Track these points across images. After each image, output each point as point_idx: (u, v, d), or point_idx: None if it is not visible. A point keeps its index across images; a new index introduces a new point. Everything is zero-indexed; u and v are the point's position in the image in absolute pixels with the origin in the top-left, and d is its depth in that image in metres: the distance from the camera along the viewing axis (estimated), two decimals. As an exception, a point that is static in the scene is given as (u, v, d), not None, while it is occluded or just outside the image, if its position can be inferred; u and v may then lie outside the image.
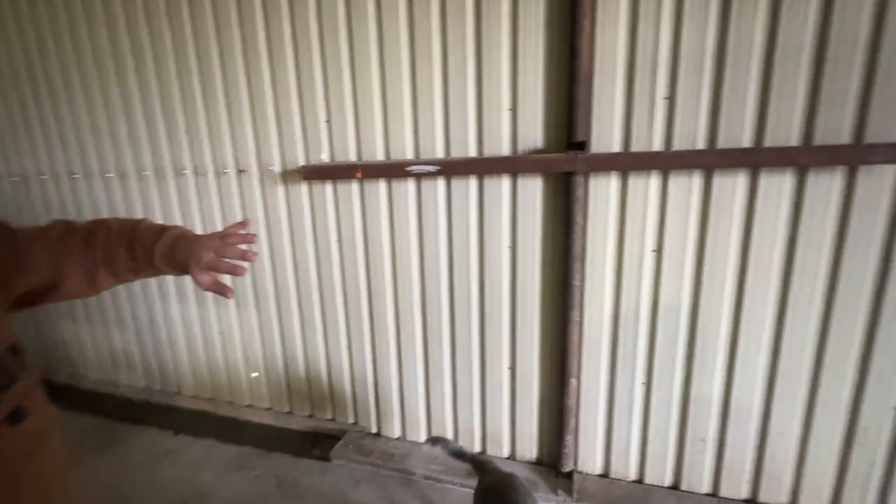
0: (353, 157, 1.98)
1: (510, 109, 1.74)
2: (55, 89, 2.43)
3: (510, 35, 1.68)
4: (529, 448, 2.03)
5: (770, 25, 1.44)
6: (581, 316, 1.80)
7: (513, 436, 2.05)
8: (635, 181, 1.65)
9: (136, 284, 2.59)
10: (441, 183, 1.88)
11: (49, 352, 3.03)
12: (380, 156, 1.94)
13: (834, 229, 1.50)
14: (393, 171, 1.85)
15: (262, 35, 1.98)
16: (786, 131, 1.47)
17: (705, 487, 1.82)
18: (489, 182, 1.81)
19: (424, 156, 1.87)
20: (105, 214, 2.52)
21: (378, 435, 2.29)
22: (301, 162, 2.05)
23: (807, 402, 1.64)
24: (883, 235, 1.46)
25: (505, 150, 1.77)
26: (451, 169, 1.77)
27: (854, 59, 1.38)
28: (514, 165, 1.70)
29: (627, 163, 1.60)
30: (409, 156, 1.90)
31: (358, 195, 2.01)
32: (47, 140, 2.54)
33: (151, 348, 2.69)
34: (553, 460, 1.99)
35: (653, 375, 1.79)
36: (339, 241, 2.09)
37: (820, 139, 1.44)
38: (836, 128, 1.43)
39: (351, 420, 2.34)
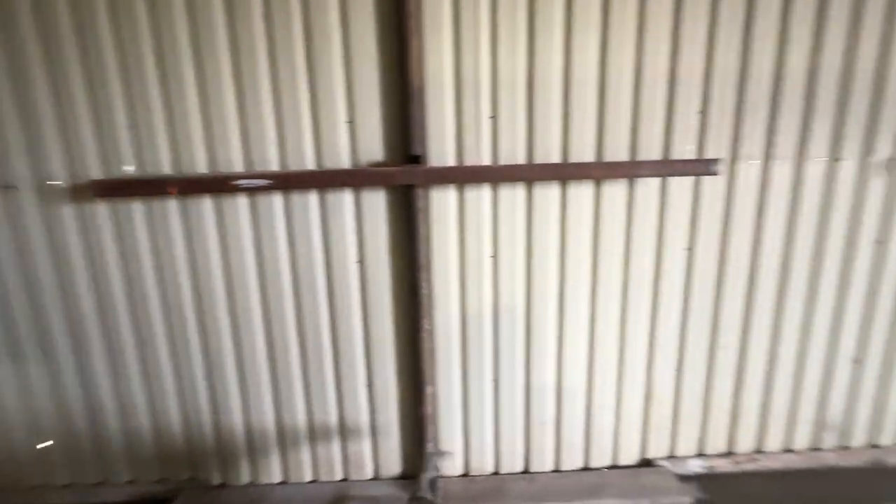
0: (167, 170, 1.70)
1: (348, 122, 1.71)
2: None
3: (342, 48, 1.65)
4: (393, 463, 2.00)
5: (565, 60, 1.69)
6: (431, 323, 1.85)
7: (375, 455, 2.00)
8: (470, 193, 1.77)
9: None
10: (278, 198, 1.74)
11: None
12: (201, 168, 1.71)
13: (624, 231, 1.83)
14: (218, 185, 1.64)
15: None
16: (581, 149, 1.74)
17: (549, 465, 2.03)
18: (331, 196, 1.75)
19: (257, 168, 1.71)
20: None
21: (223, 486, 2.00)
22: (95, 175, 1.69)
23: (617, 376, 1.96)
24: (655, 234, 1.83)
25: (345, 162, 1.73)
26: (287, 183, 1.65)
27: (623, 90, 1.71)
28: (353, 178, 1.67)
29: (462, 175, 1.71)
30: (239, 168, 1.71)
31: (178, 215, 1.74)
32: None
33: None
34: (417, 471, 1.99)
35: (500, 372, 1.93)
36: (158, 267, 1.78)
37: (608, 156, 1.75)
38: (616, 146, 1.75)
39: (187, 475, 2.00)
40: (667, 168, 1.73)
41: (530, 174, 1.73)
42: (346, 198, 1.75)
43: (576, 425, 2.00)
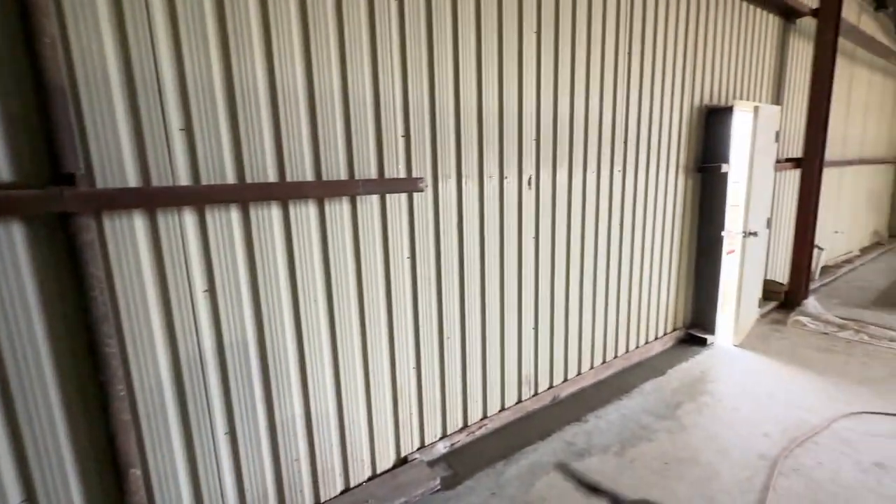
0: None
1: (-69, 123, 1.14)
2: None
3: None
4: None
5: (269, 74, 1.60)
6: (129, 385, 1.44)
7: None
8: (167, 218, 1.46)
9: None
10: None
11: None
12: None
13: (352, 246, 1.88)
14: None
15: None
16: (301, 167, 1.69)
17: (308, 500, 1.90)
18: None
19: None
20: None
21: None
22: None
23: (364, 387, 2.00)
24: (381, 247, 1.95)
25: (-67, 183, 1.15)
26: None
27: (336, 111, 1.75)
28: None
29: (150, 198, 1.39)
30: None
31: None
32: None
33: None
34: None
35: (236, 418, 1.67)
36: None
37: (326, 175, 1.76)
38: (335, 165, 1.78)
39: None
40: (382, 186, 1.86)
41: (243, 194, 1.56)
42: (-59, 236, 1.17)
43: (332, 450, 1.94)
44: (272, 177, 1.64)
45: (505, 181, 2.35)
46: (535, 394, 2.73)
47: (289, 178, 1.67)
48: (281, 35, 1.60)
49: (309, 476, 1.89)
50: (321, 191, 1.70)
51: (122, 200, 1.33)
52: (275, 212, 1.66)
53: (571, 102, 2.55)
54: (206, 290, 1.57)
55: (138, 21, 1.36)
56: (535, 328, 2.65)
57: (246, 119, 1.56)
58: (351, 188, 1.78)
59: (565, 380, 2.89)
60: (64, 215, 1.27)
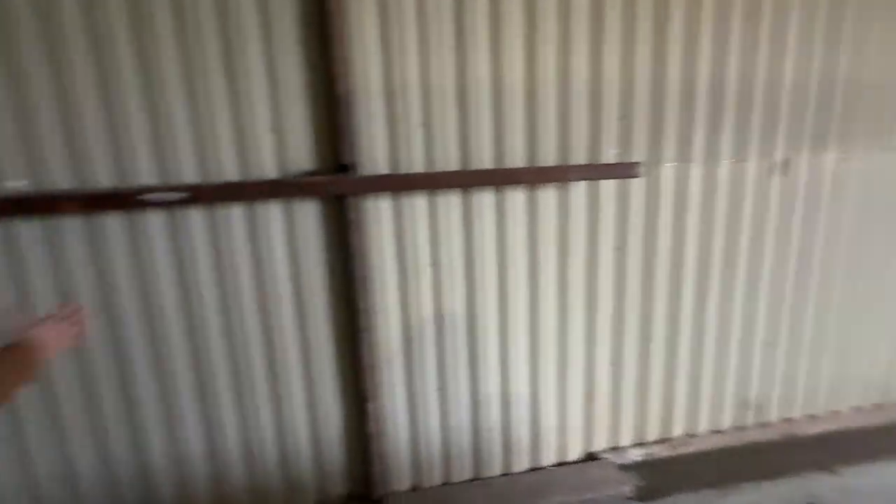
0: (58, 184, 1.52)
1: (273, 130, 1.61)
2: None
3: (263, 53, 1.56)
4: (338, 484, 1.91)
5: (494, 68, 1.71)
6: (372, 337, 1.79)
7: (319, 476, 1.90)
8: (405, 201, 1.73)
9: None
10: (197, 213, 1.61)
11: None
12: (104, 181, 1.54)
13: (557, 233, 1.88)
14: (121, 201, 1.48)
15: None
16: (513, 154, 1.77)
17: (498, 469, 2.03)
18: (259, 210, 1.64)
19: (170, 181, 1.57)
20: None
21: (147, 531, 1.81)
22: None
23: (558, 376, 2.00)
24: (586, 235, 1.90)
25: (271, 173, 1.63)
26: (205, 196, 1.53)
27: (549, 100, 1.76)
28: (281, 189, 1.58)
29: (395, 184, 1.67)
30: (147, 181, 1.56)
31: (80, 234, 1.55)
32: None
33: None
34: (364, 489, 1.92)
35: (445, 381, 1.90)
36: (62, 295, 1.58)
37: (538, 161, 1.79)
38: (547, 151, 1.79)
39: None
40: (594, 172, 1.79)
41: (464, 180, 1.73)
42: (275, 210, 1.65)
43: (522, 428, 2.02)
44: (488, 163, 1.77)
45: (745, 165, 1.97)
46: (763, 424, 2.26)
47: (503, 165, 1.77)
48: (505, 34, 1.68)
49: (500, 447, 2.01)
50: (532, 176, 1.75)
51: (378, 185, 1.64)
52: (487, 197, 1.79)
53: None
54: (431, 265, 1.81)
55: (395, 41, 1.62)
56: (772, 343, 2.18)
57: (471, 112, 1.72)
58: (562, 174, 1.77)
59: (810, 415, 2.30)
60: (340, 197, 1.65)
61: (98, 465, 1.70)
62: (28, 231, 1.51)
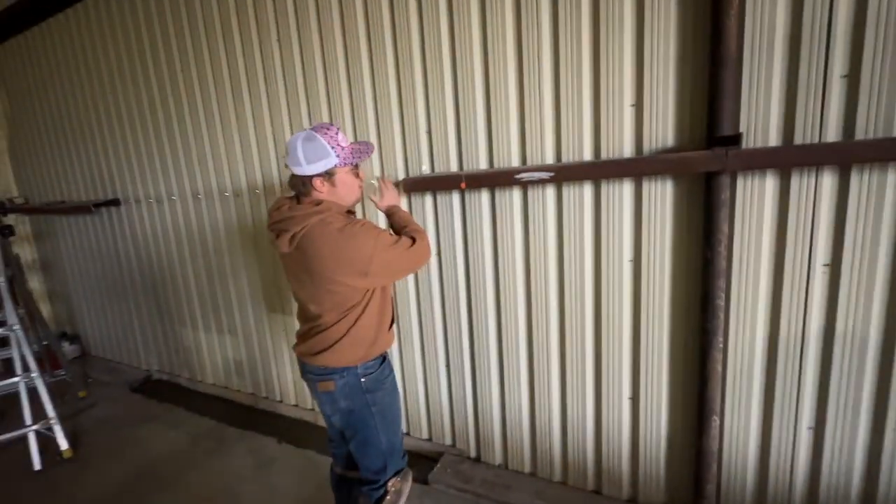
0: (454, 167, 1.90)
1: (633, 105, 1.54)
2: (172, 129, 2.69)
3: (635, 15, 1.48)
4: (655, 491, 1.76)
5: None
6: (726, 342, 1.52)
7: (634, 476, 1.80)
8: (800, 180, 1.35)
9: (248, 297, 2.75)
10: (551, 191, 1.72)
11: (173, 357, 3.34)
12: (483, 164, 1.83)
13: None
14: (499, 179, 1.73)
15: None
16: None
17: None
18: (607, 187, 1.62)
19: (532, 162, 1.73)
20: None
21: (478, 460, 2.15)
22: (402, 174, 2.03)
23: None
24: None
25: (627, 151, 1.57)
26: (565, 175, 1.60)
27: None
28: (643, 167, 1.48)
29: (791, 158, 1.32)
30: (516, 163, 1.77)
31: (459, 207, 1.92)
32: (169, 168, 2.82)
33: (259, 358, 2.84)
34: (686, 509, 1.70)
35: (826, 419, 1.44)
36: (439, 255, 2.02)
37: None
38: None
39: (448, 442, 2.24)
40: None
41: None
42: (625, 188, 1.59)
43: None
44: None
45: None
46: None
47: None
48: None
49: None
50: None
51: (768, 161, 1.33)
52: None
53: None
54: (827, 265, 1.37)
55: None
56: None
57: None
58: None
59: None
60: (708, 175, 1.43)
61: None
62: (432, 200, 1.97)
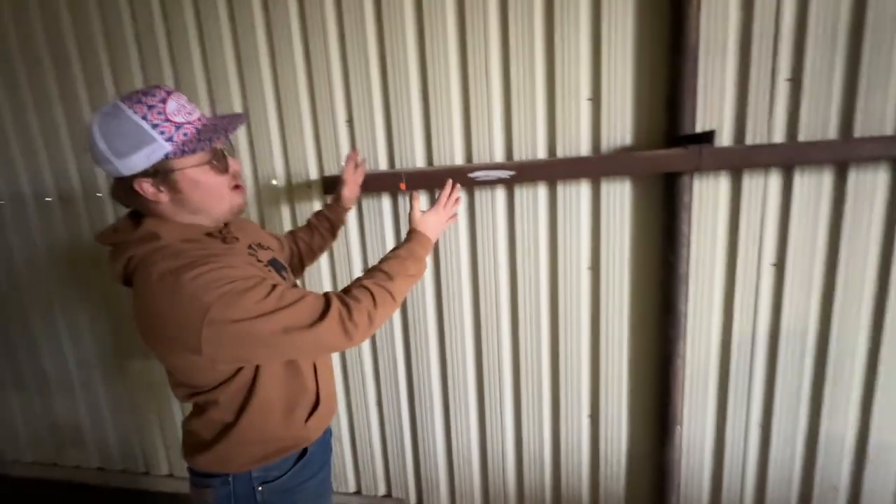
0: (384, 166, 1.57)
1: (590, 99, 1.41)
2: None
3: (590, 8, 1.36)
4: (615, 510, 1.67)
5: (916, -12, 1.20)
6: (684, 348, 1.47)
7: (594, 495, 1.68)
8: (751, 181, 1.35)
9: (87, 332, 2.01)
10: (501, 193, 1.51)
11: (-36, 432, 2.33)
12: (420, 162, 1.54)
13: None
14: (446, 179, 1.45)
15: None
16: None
17: (838, 543, 1.52)
18: (563, 189, 1.46)
19: (480, 160, 1.49)
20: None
21: (419, 508, 1.84)
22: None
23: None
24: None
25: (584, 149, 1.43)
26: (527, 175, 1.40)
27: None
28: (612, 166, 1.35)
29: (743, 158, 1.30)
30: (459, 160, 1.52)
31: (391, 212, 1.60)
32: None
33: (109, 416, 2.10)
34: (647, 524, 1.63)
35: (773, 414, 1.48)
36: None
37: None
38: None
39: (382, 492, 1.88)
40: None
41: (842, 152, 1.26)
42: (582, 190, 1.45)
43: (883, 495, 1.47)
44: (889, 130, 1.27)
45: None
46: None
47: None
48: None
49: (842, 513, 1.50)
50: None
51: (724, 160, 1.29)
52: (881, 176, 1.29)
53: None
54: (774, 264, 1.40)
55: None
56: None
57: (870, 61, 1.24)
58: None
59: None
60: (670, 175, 1.35)
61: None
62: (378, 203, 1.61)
